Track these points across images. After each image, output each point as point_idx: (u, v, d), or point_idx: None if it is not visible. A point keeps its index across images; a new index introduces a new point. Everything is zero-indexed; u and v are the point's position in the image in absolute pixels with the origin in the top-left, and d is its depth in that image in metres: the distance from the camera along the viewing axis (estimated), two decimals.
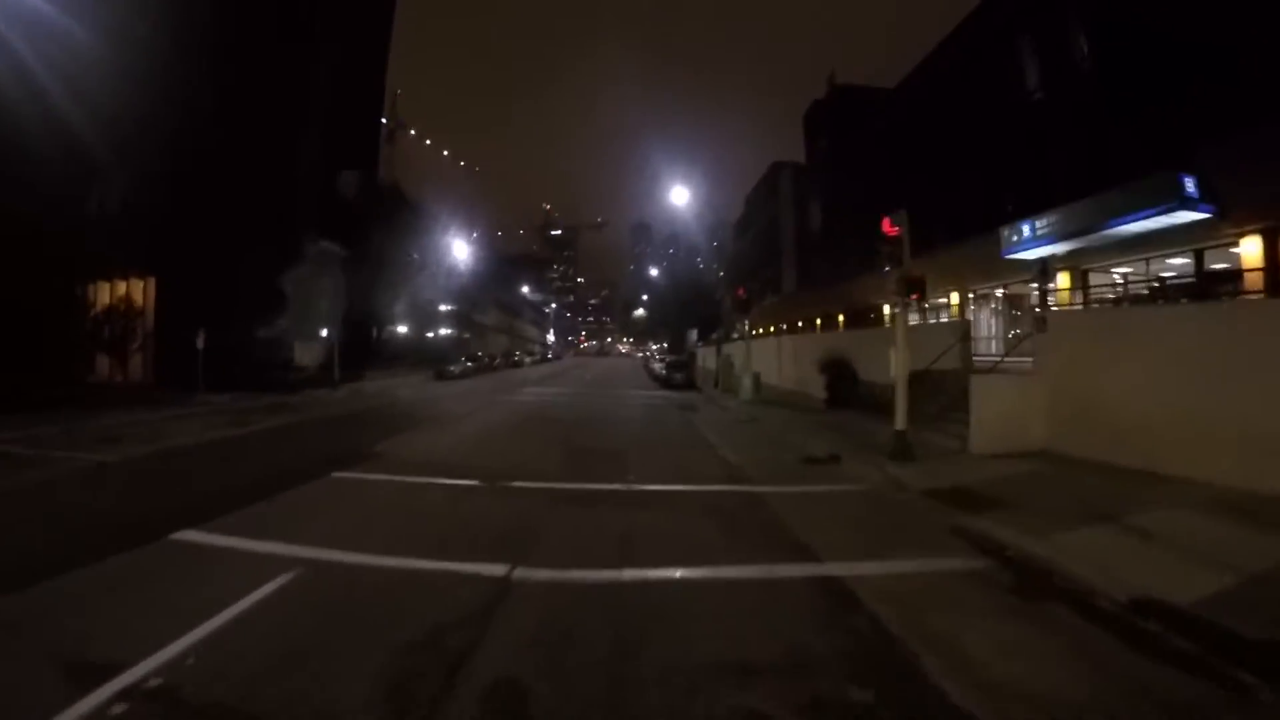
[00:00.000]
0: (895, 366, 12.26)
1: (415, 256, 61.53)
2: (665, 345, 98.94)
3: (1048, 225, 24.45)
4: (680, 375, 34.63)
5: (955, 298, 33.71)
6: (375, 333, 66.31)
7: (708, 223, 66.53)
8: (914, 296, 12.46)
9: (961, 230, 30.92)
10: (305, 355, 45.95)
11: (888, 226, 12.53)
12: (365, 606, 5.30)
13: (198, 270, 35.08)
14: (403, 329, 68.89)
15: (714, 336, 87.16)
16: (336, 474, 10.71)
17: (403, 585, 5.78)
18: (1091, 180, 22.50)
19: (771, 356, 32.88)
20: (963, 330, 18.23)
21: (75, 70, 32.49)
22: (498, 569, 6.12)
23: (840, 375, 22.39)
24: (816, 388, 24.61)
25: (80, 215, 34.76)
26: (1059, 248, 24.32)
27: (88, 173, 34.57)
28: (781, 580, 5.97)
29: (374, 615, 5.11)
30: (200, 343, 28.50)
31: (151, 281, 38.33)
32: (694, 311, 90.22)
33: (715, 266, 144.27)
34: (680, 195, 32.12)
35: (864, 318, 42.22)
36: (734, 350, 33.11)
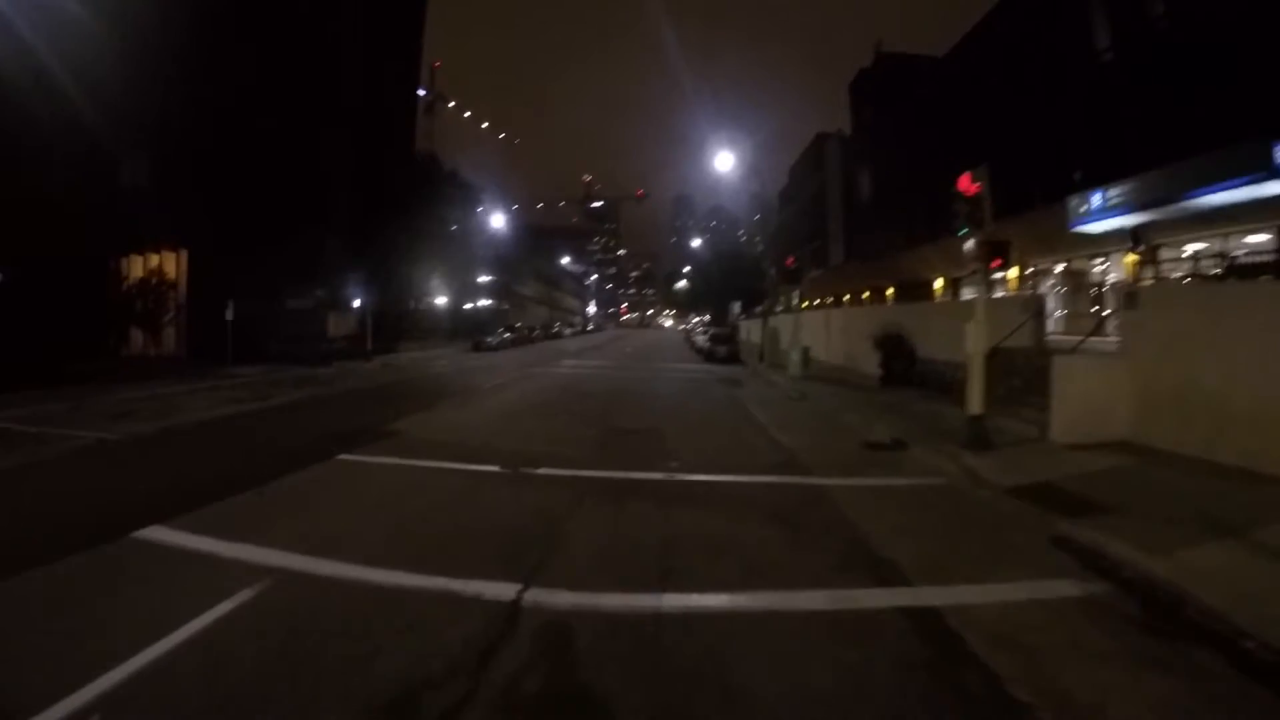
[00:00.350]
0: (972, 342, 10.88)
1: (453, 227, 60.69)
2: (707, 317, 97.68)
3: (1120, 195, 22.61)
4: (724, 349, 33.27)
5: (1014, 273, 31.84)
6: (413, 304, 66.12)
7: (752, 192, 64.68)
8: (995, 263, 10.92)
9: (1020, 201, 29.13)
10: (340, 326, 45.95)
11: (966, 183, 10.97)
12: (330, 641, 4.17)
13: (230, 242, 34.94)
14: (441, 300, 68.50)
15: (757, 310, 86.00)
16: (344, 456, 9.70)
17: (386, 610, 4.63)
18: (1169, 148, 20.67)
19: (819, 330, 31.50)
20: (1035, 306, 16.67)
21: (108, 44, 32.28)
22: (506, 590, 4.94)
23: (896, 351, 20.98)
24: (868, 364, 23.21)
25: (114, 187, 34.55)
26: (1131, 219, 22.54)
27: (121, 144, 34.32)
28: (865, 613, 4.70)
29: (337, 656, 3.98)
30: (229, 314, 28.07)
31: (184, 253, 38.10)
32: (736, 284, 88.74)
33: (757, 240, 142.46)
34: (725, 161, 30.56)
35: (914, 292, 40.60)
36: (781, 323, 31.74)
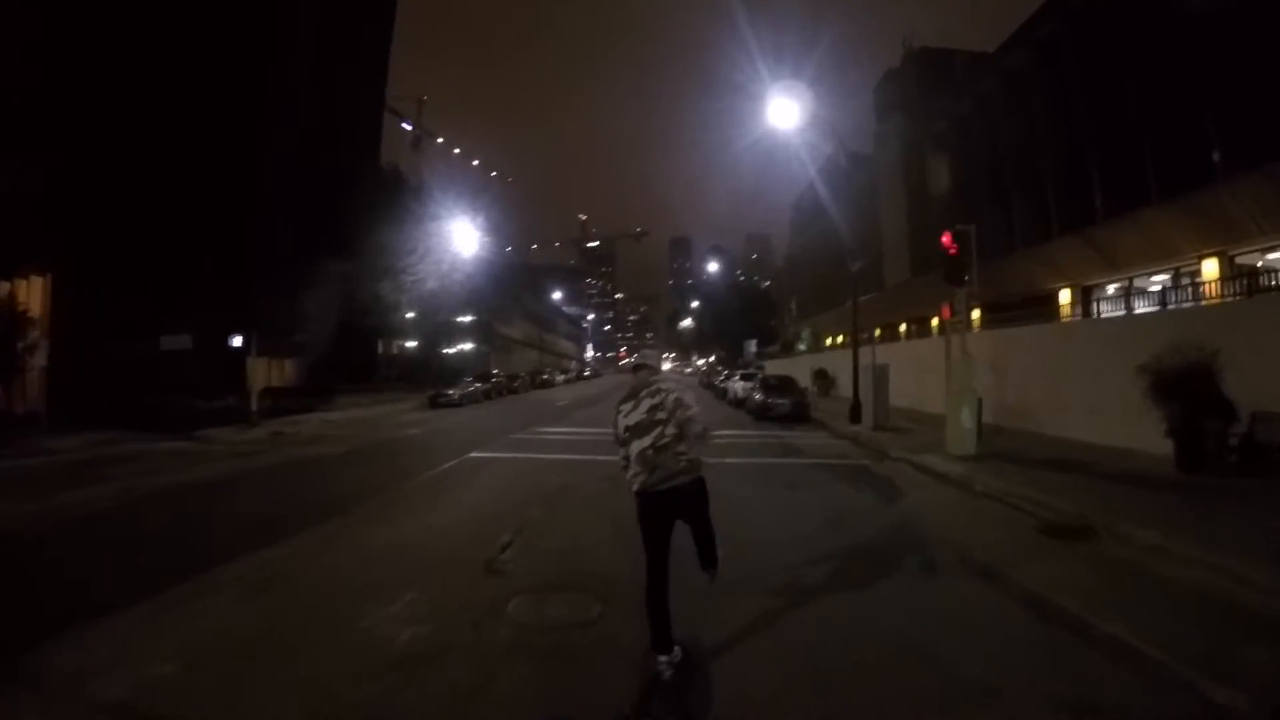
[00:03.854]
0: None
1: (425, 259, 50.10)
2: (712, 359, 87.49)
3: None
4: (785, 402, 22.03)
5: (1212, 268, 20.80)
6: (379, 346, 55.98)
7: (810, 144, 55.20)
8: None
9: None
10: (276, 374, 37.31)
11: None
12: None
13: (112, 267, 27.44)
14: (412, 343, 58.66)
15: (769, 348, 75.72)
16: None
17: None
18: None
19: (930, 370, 21.00)
20: None
21: None
22: None
23: (1201, 403, 10.25)
24: (1086, 423, 13.94)
25: None
26: None
27: None
28: None
29: None
30: (43, 358, 19.91)
31: (48, 279, 28.23)
32: (749, 322, 78.76)
33: (756, 278, 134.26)
34: (784, 111, 19.95)
35: (1013, 310, 29.77)
36: (895, 358, 20.87)
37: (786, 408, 21.80)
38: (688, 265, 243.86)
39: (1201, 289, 17.77)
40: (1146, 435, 11.29)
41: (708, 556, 4.69)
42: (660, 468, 4.26)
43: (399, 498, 9.95)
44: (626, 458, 4.41)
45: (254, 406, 23.30)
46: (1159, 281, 23.65)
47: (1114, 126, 23.26)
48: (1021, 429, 15.58)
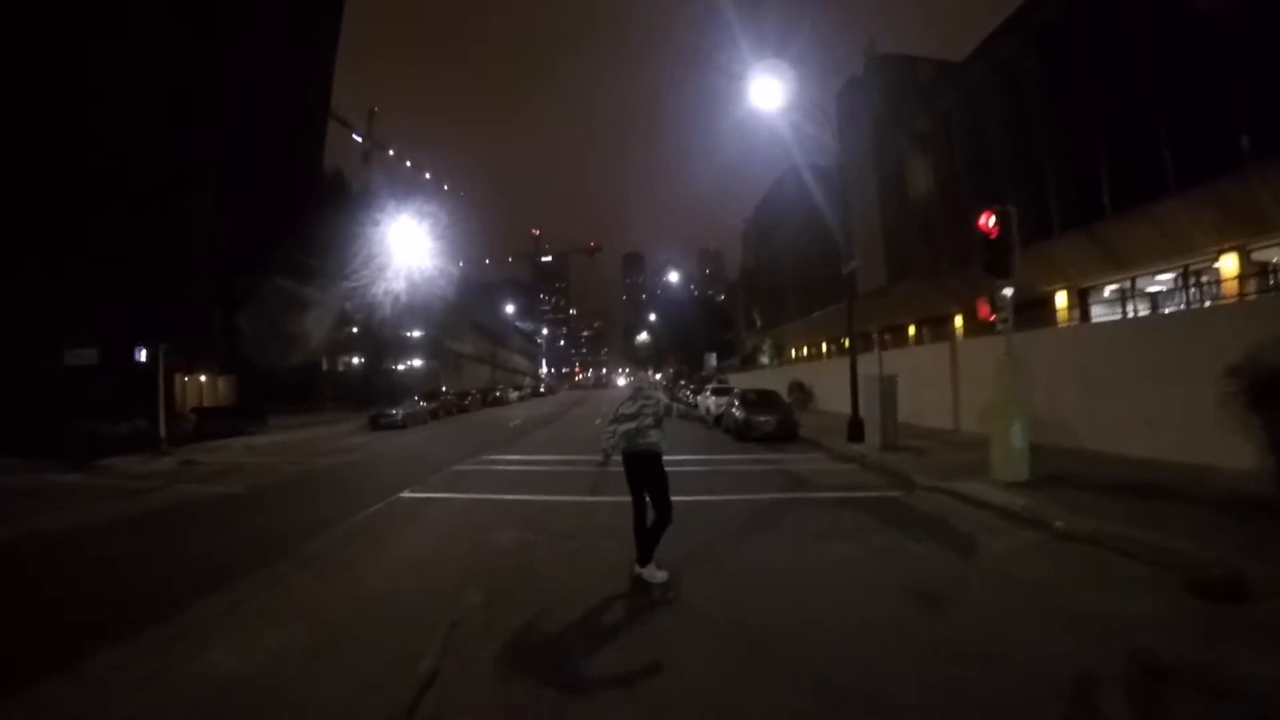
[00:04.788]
0: None
1: (369, 266, 47.11)
2: (671, 372, 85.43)
3: None
4: (769, 420, 19.50)
5: (1231, 263, 19.11)
6: (322, 363, 52.89)
7: (791, 122, 54.12)
8: None
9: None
10: (209, 394, 37.21)
11: None
12: None
13: (22, 271, 26.09)
14: (358, 359, 55.92)
15: (728, 361, 74.13)
16: None
17: None
18: None
19: (941, 378, 18.98)
20: None
21: None
22: None
23: None
24: (1104, 435, 12.86)
25: None
26: None
27: None
28: None
29: None
30: None
31: None
32: (707, 335, 77.34)
33: (710, 293, 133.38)
34: (768, 91, 17.72)
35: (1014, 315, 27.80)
36: (906, 364, 18.58)
37: (772, 425, 19.32)
38: (640, 280, 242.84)
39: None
40: (1222, 448, 9.31)
41: (660, 512, 6.35)
42: (634, 441, 6.40)
43: (285, 574, 6.92)
44: (614, 432, 6.47)
45: (163, 432, 20.23)
46: (1164, 281, 22.03)
47: (1124, 113, 21.41)
48: (1058, 445, 13.32)
